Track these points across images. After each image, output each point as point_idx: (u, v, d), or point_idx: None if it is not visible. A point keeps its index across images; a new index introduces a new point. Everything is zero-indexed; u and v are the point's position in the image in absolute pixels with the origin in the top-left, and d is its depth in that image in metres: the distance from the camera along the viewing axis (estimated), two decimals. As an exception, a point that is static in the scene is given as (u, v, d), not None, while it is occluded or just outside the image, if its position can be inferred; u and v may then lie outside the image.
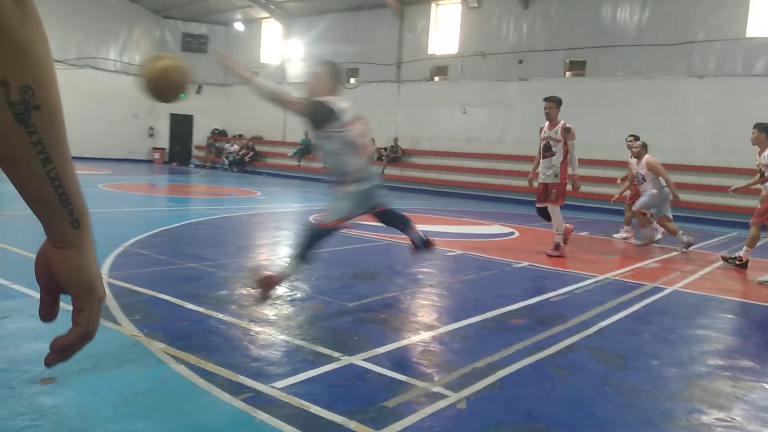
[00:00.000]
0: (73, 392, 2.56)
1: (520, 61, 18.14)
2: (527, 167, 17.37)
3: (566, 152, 7.14)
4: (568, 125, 7.10)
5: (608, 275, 6.13)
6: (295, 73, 23.95)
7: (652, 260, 7.40)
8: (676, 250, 8.20)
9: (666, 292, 5.49)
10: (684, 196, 15.22)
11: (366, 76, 21.68)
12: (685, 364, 3.51)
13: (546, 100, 7.28)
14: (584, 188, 16.11)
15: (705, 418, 2.72)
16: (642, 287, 5.59)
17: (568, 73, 17.57)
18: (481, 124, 18.76)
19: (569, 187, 7.22)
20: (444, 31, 20.07)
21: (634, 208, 8.59)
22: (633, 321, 4.37)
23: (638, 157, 8.69)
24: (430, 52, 20.30)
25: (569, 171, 7.16)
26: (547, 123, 7.29)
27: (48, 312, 0.79)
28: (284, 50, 24.07)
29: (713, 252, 8.55)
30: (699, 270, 6.91)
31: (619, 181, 10.73)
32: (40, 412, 2.36)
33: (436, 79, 20.22)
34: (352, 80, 22.30)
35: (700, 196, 14.55)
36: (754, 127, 7.19)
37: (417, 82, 20.41)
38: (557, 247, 7.11)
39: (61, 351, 0.77)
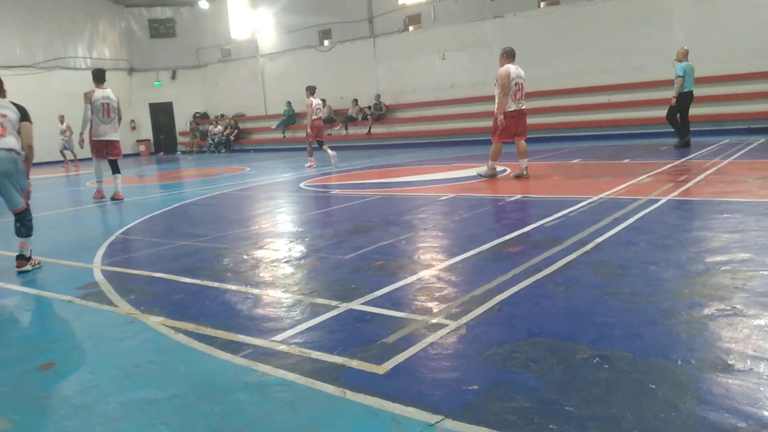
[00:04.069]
0: (73, 374, 2.56)
1: (493, -1, 17.76)
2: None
3: None
4: None
5: (602, 195, 6.10)
6: (267, 45, 23.51)
7: (645, 175, 7.36)
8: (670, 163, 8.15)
9: (661, 202, 5.47)
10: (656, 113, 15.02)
11: (339, 36, 21.28)
12: (683, 265, 3.50)
13: None
14: (571, 118, 16.08)
15: (706, 311, 2.72)
16: (637, 201, 5.57)
17: (542, 3, 17.23)
18: (462, 68, 18.47)
19: None
20: (411, -21, 19.60)
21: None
22: (629, 233, 4.36)
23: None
24: (400, 2, 19.88)
25: None
26: None
27: None
28: (253, 22, 23.59)
29: (706, 160, 8.51)
30: (693, 179, 6.88)
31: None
32: (43, 395, 2.36)
33: (411, 28, 19.85)
34: (326, 42, 21.90)
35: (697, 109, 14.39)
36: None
37: (391, 35, 20.03)
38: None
39: None
